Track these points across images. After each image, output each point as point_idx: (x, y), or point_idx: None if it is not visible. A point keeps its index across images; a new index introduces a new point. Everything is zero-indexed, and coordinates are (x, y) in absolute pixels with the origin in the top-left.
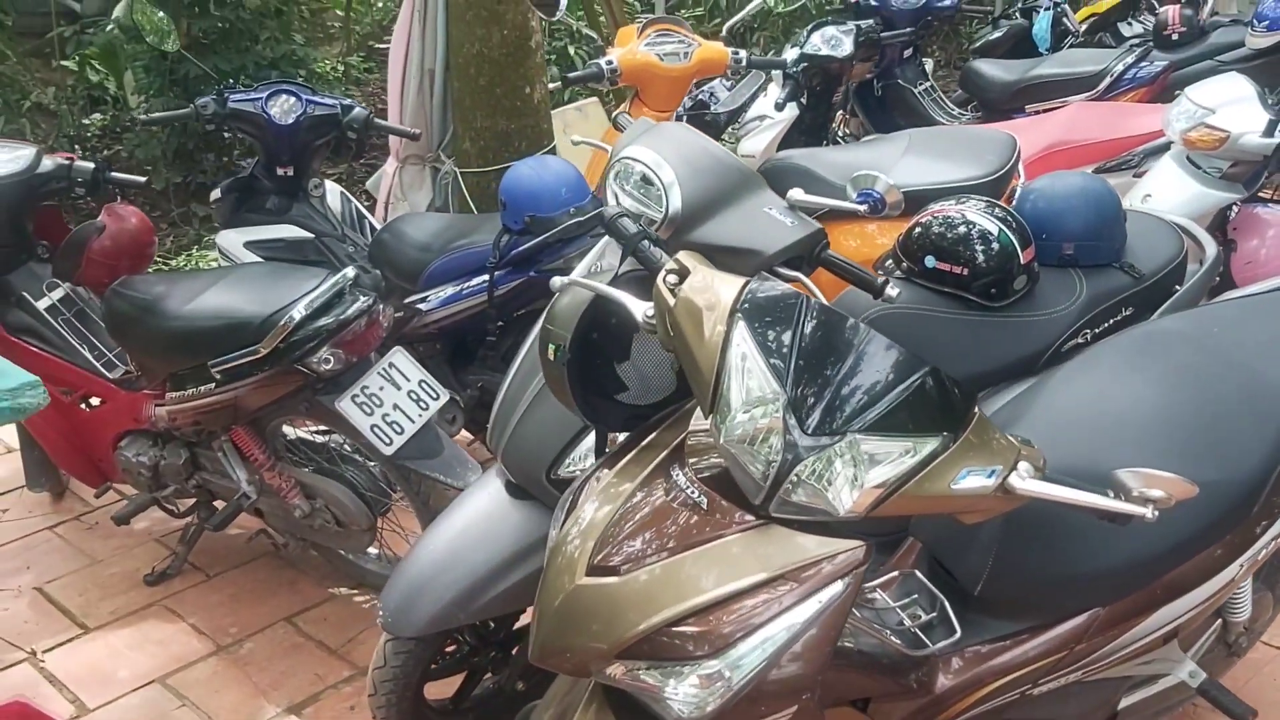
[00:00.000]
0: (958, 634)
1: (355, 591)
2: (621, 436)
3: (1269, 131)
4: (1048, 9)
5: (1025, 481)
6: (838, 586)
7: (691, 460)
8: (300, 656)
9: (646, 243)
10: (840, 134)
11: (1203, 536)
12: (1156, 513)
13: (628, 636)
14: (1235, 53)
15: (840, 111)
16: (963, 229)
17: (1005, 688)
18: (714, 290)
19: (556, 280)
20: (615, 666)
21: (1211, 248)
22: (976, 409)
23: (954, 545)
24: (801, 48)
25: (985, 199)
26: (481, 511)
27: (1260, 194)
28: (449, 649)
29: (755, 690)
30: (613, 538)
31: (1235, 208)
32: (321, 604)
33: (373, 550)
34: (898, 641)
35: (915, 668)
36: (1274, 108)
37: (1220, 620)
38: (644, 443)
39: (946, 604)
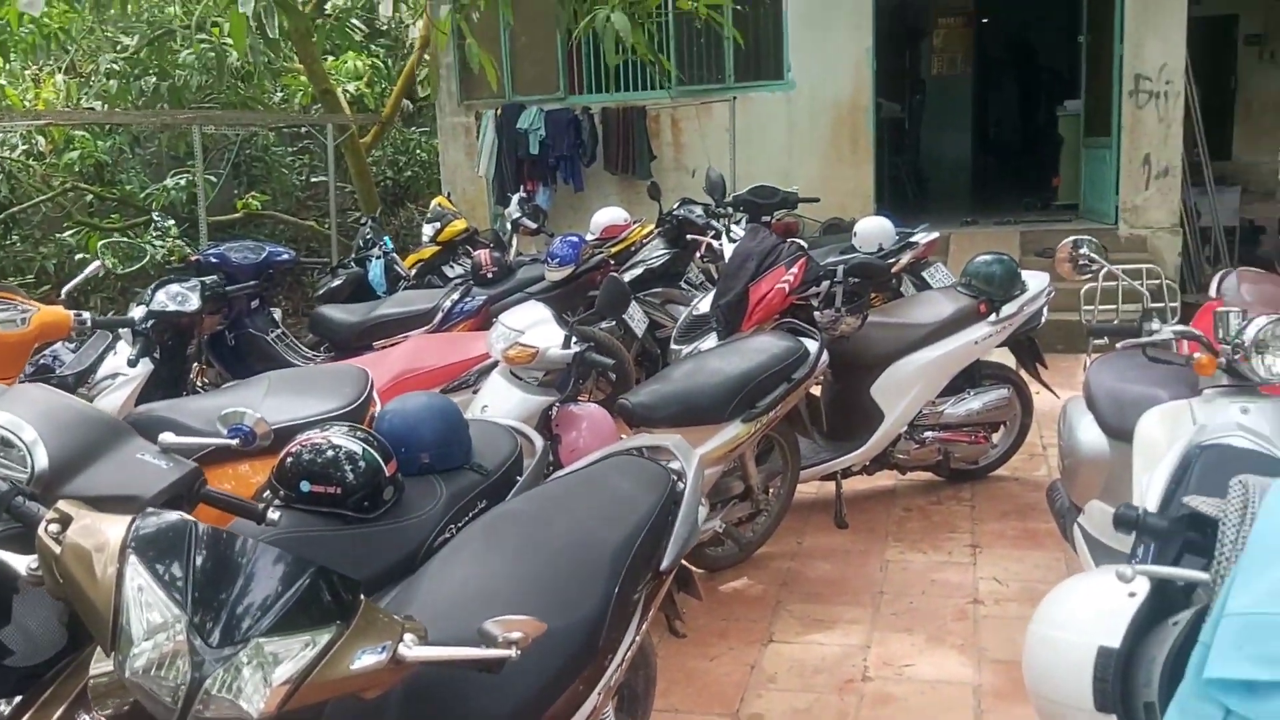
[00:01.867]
0: None
1: None
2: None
3: (566, 344)
4: (379, 258)
5: (413, 650)
6: None
7: (98, 703)
8: None
9: (21, 498)
10: (200, 384)
11: (565, 675)
12: (519, 651)
13: None
14: (539, 284)
15: (196, 363)
16: (331, 452)
17: None
18: (101, 531)
19: None
20: None
21: (539, 442)
22: (362, 597)
23: None
24: (148, 305)
25: (347, 423)
26: None
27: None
28: None
29: None
30: None
31: (555, 408)
32: None
33: None
34: None
35: None
36: (569, 324)
37: None
38: (42, 699)
39: None
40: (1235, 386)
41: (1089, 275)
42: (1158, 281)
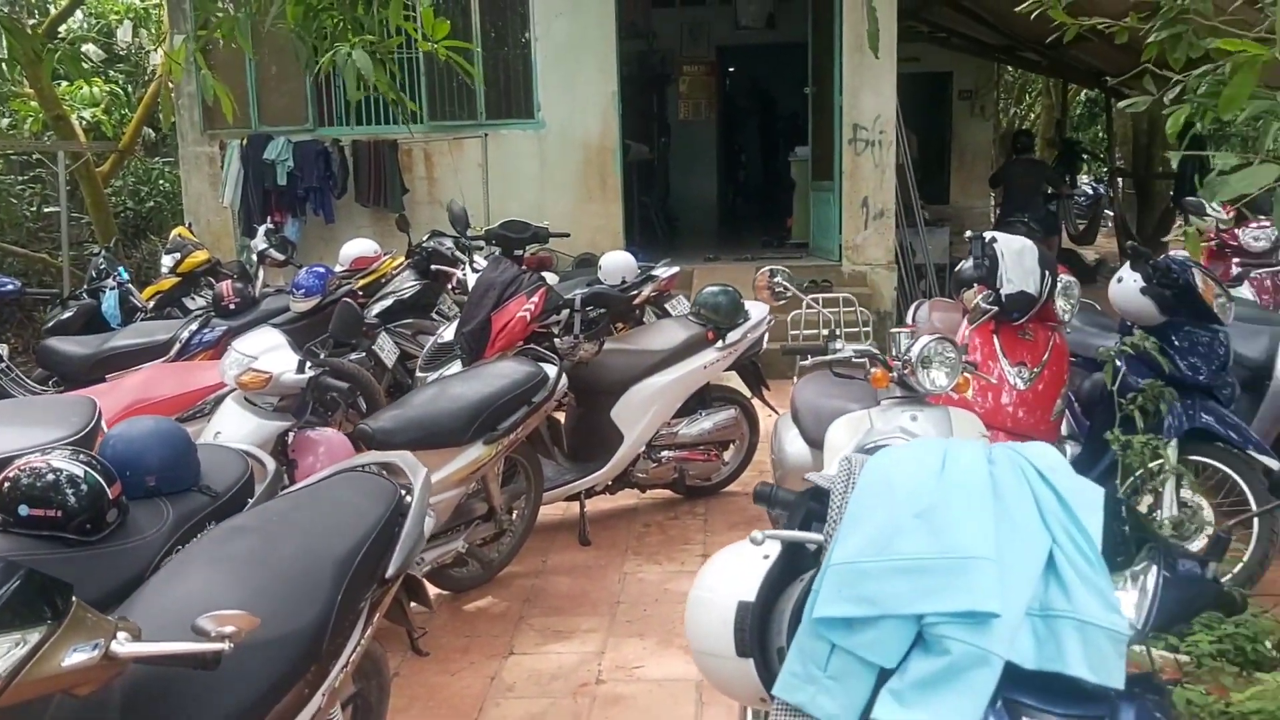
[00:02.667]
0: None
1: None
2: None
3: (300, 369)
4: (114, 289)
5: (125, 646)
6: None
7: None
8: None
9: None
10: None
11: (289, 678)
12: (231, 645)
13: None
14: (284, 315)
15: None
16: (50, 476)
17: None
18: None
19: None
20: None
21: (271, 465)
22: (74, 599)
23: None
24: None
25: (70, 447)
26: None
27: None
28: None
29: None
30: None
31: (292, 434)
32: None
33: None
34: None
35: None
36: (307, 350)
37: None
38: None
39: None
40: (906, 397)
41: (784, 302)
42: (853, 309)
